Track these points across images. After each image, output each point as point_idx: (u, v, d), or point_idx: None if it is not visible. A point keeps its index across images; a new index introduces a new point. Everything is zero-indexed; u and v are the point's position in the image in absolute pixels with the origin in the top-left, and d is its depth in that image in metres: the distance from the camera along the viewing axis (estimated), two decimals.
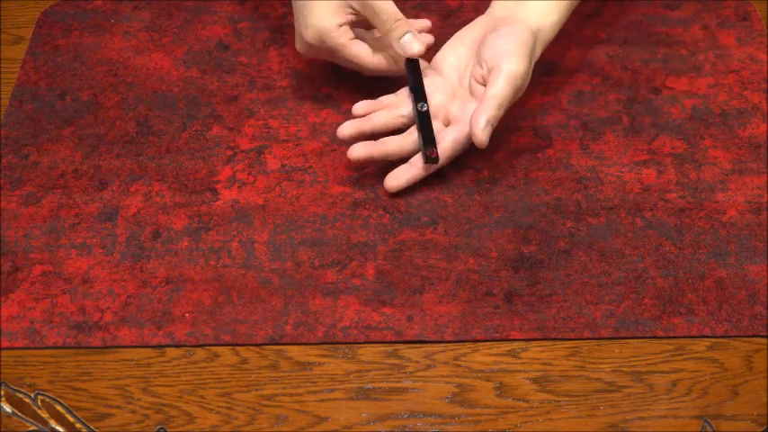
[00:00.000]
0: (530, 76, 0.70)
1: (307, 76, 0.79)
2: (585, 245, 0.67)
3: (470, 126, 0.67)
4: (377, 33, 0.75)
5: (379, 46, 0.74)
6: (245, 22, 0.85)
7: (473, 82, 0.71)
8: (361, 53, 0.73)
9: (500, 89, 0.67)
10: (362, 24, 0.74)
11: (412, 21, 0.75)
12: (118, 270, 0.66)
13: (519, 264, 0.67)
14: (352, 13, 0.72)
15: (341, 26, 0.72)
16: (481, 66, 0.70)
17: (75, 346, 0.62)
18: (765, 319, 0.63)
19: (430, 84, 0.72)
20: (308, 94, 0.78)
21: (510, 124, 0.75)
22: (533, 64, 0.70)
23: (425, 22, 0.77)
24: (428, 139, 0.69)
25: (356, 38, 0.73)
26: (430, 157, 0.69)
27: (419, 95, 0.71)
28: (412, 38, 0.71)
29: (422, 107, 0.70)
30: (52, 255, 0.67)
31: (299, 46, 0.75)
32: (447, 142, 0.70)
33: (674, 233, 0.68)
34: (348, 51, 0.72)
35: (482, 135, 0.67)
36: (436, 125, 0.71)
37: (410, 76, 0.72)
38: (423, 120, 0.70)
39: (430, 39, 0.74)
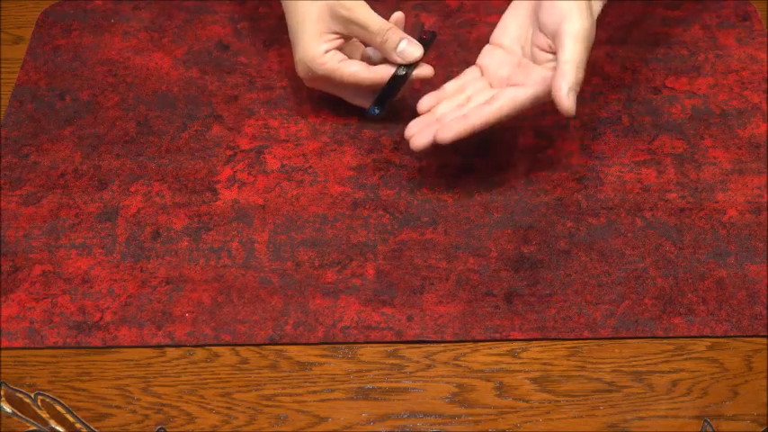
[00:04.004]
0: (594, 30, 0.66)
1: None
2: (585, 245, 0.67)
3: (554, 96, 0.64)
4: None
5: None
6: (245, 22, 0.85)
7: (536, 50, 0.68)
8: (356, 71, 0.71)
9: (572, 52, 0.64)
10: (349, 48, 0.74)
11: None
12: (118, 270, 0.66)
13: (519, 264, 0.67)
14: (336, 38, 0.71)
15: (327, 52, 0.71)
16: (543, 32, 0.67)
17: (76, 346, 0.62)
18: (765, 319, 0.63)
19: (492, 59, 0.71)
20: (307, 94, 0.78)
21: (510, 124, 0.75)
22: (595, 19, 0.67)
23: (398, 14, 0.74)
24: (382, 98, 0.72)
25: (346, 58, 0.72)
26: (370, 109, 0.72)
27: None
28: (408, 43, 0.71)
29: (402, 71, 0.71)
30: (52, 255, 0.67)
31: (304, 80, 0.75)
32: (506, 99, 0.67)
33: (674, 233, 0.68)
34: (341, 73, 0.71)
35: (567, 101, 0.64)
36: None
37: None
38: (393, 82, 0.71)
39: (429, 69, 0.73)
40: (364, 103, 0.74)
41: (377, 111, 0.72)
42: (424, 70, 0.72)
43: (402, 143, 0.74)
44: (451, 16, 0.85)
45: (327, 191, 0.71)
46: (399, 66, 0.71)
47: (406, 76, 0.71)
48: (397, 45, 0.71)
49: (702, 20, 0.84)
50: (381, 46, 0.71)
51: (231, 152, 0.74)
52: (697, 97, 0.78)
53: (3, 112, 0.77)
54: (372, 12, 0.71)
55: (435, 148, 0.74)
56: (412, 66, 0.71)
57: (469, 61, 0.80)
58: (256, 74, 0.80)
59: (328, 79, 0.72)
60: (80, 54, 0.82)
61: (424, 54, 0.72)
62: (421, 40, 0.72)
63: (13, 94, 0.78)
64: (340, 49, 0.72)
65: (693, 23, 0.84)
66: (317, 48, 0.71)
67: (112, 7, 0.86)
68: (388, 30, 0.70)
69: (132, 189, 0.71)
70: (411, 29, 0.74)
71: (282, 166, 0.73)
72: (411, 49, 0.71)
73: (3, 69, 0.81)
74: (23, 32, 0.84)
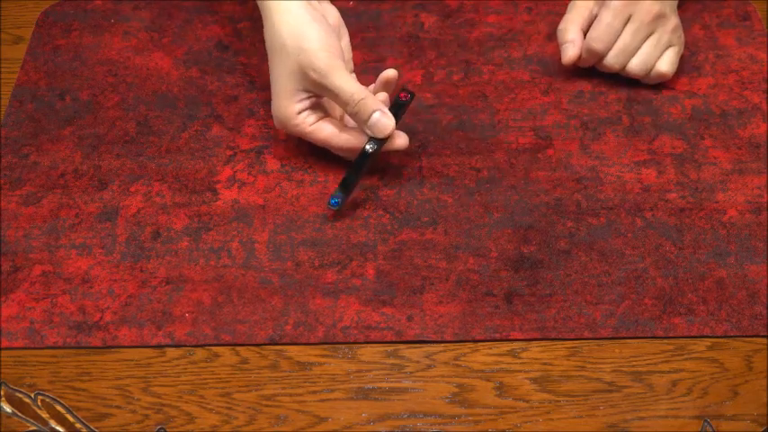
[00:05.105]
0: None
1: None
2: (585, 245, 0.67)
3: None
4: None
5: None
6: (245, 22, 0.85)
7: None
8: (328, 136, 0.69)
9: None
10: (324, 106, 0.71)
11: (377, 93, 0.71)
12: (118, 270, 0.66)
13: (519, 264, 0.67)
14: (310, 97, 0.68)
15: (300, 113, 0.68)
16: None
17: (75, 346, 0.62)
18: (765, 319, 0.63)
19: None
20: None
21: (510, 124, 0.75)
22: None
23: (390, 73, 0.70)
24: (348, 181, 0.68)
25: (322, 118, 0.69)
26: (331, 199, 0.68)
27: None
28: (381, 116, 0.67)
29: (371, 147, 0.68)
30: (52, 255, 0.67)
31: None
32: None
33: (674, 233, 0.68)
34: (314, 138, 0.69)
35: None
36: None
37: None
38: (361, 160, 0.68)
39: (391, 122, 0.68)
40: (344, 155, 0.71)
41: (337, 202, 0.67)
42: (398, 141, 0.69)
43: None
44: (451, 16, 0.85)
45: (327, 191, 0.71)
46: (370, 138, 0.68)
47: (375, 153, 0.68)
48: (369, 118, 0.67)
49: (702, 20, 0.84)
50: (353, 116, 0.68)
51: (231, 152, 0.74)
52: (697, 97, 0.78)
53: (3, 112, 0.77)
54: (346, 78, 0.67)
55: (434, 146, 0.74)
56: (383, 139, 0.68)
57: (470, 61, 0.80)
58: (256, 74, 0.80)
59: (303, 138, 0.70)
60: (80, 54, 0.82)
61: (401, 116, 0.69)
62: (398, 102, 0.70)
63: (13, 94, 0.78)
64: (318, 105, 0.70)
65: (693, 23, 0.84)
66: (290, 108, 0.68)
67: (112, 7, 0.86)
68: (359, 100, 0.66)
69: (132, 189, 0.71)
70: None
71: (282, 166, 0.73)
72: (382, 123, 0.67)
73: (3, 69, 0.81)
74: (23, 32, 0.84)
